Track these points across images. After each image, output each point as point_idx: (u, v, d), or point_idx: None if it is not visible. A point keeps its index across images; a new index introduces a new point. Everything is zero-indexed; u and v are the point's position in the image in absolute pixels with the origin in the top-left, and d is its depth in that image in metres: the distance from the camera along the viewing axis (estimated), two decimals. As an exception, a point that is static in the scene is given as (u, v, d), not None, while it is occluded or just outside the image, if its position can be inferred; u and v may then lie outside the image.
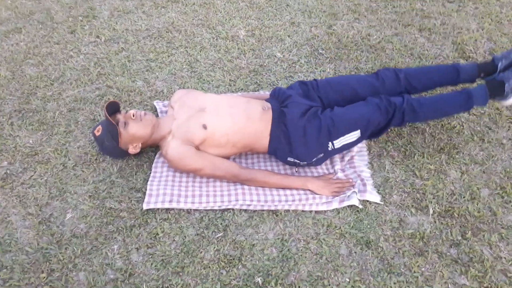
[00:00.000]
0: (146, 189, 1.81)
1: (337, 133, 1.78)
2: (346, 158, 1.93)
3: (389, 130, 1.87)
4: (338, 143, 1.80)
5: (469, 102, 1.84)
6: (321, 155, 1.81)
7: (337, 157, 1.95)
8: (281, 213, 1.73)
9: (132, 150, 1.85)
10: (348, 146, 1.84)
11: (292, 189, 1.80)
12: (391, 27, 2.69)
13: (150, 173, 1.88)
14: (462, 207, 1.73)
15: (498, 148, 1.96)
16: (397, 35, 2.64)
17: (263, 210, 1.74)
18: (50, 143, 2.04)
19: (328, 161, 1.94)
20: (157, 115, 2.17)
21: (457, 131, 2.04)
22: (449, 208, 1.73)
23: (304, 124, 1.77)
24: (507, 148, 1.96)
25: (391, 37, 2.62)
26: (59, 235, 1.68)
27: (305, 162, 1.81)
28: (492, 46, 2.51)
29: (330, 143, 1.78)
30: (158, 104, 2.21)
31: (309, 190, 1.80)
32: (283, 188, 1.82)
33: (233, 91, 2.31)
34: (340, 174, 1.87)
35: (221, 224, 1.70)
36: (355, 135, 1.80)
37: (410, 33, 2.65)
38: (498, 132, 2.03)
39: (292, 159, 1.80)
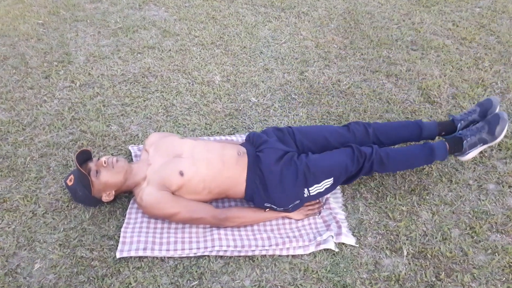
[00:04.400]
0: (119, 237, 1.77)
1: (313, 179, 1.80)
2: (322, 199, 1.96)
3: (358, 177, 1.92)
4: (313, 190, 1.82)
5: (431, 156, 1.94)
6: (298, 201, 1.82)
7: None
8: (257, 258, 1.71)
9: (106, 198, 1.82)
10: (321, 194, 1.86)
11: (268, 231, 1.80)
12: (360, 73, 2.83)
13: (124, 219, 1.84)
14: (434, 247, 1.77)
15: (465, 189, 2.04)
16: (365, 80, 2.77)
17: (239, 256, 1.72)
18: (20, 190, 1.98)
19: None
20: (131, 160, 2.16)
21: (426, 172, 2.11)
22: (422, 249, 1.76)
23: (280, 169, 1.79)
24: (473, 188, 2.04)
25: (360, 82, 2.74)
26: (26, 287, 1.60)
27: (282, 208, 1.82)
28: (454, 91, 2.66)
29: (306, 189, 1.80)
30: (133, 148, 2.21)
31: (287, 216, 1.88)
32: (263, 221, 1.85)
33: (209, 135, 2.33)
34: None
35: (196, 271, 1.66)
36: (328, 182, 1.83)
37: (378, 79, 2.78)
38: (465, 174, 2.11)
39: (269, 205, 1.81)
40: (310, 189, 1.81)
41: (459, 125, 2.05)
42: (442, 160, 1.97)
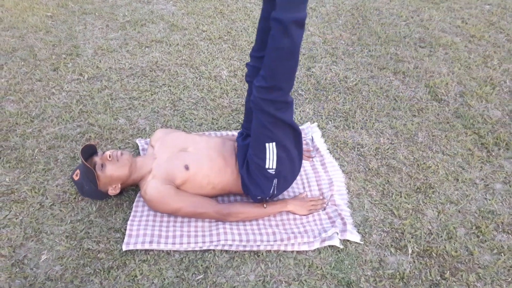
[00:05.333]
0: (125, 229, 1.78)
1: (259, 160, 1.73)
2: (327, 196, 1.96)
3: (285, 118, 1.66)
4: (270, 163, 1.73)
5: (285, 20, 1.47)
6: (275, 181, 1.78)
7: (316, 189, 2.02)
8: (262, 254, 1.72)
9: (112, 191, 1.83)
10: (282, 159, 1.74)
11: (273, 226, 1.81)
12: (367, 70, 2.81)
13: (130, 212, 1.86)
14: (440, 246, 1.77)
15: (471, 188, 2.03)
16: (373, 77, 2.75)
17: (244, 251, 1.73)
18: (28, 181, 2.00)
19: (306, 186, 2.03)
20: (139, 153, 2.17)
21: (432, 171, 2.10)
22: (428, 248, 1.76)
23: (246, 167, 1.80)
24: (480, 188, 2.03)
25: (367, 79, 2.73)
26: (32, 278, 1.62)
27: (268, 197, 1.83)
28: (462, 89, 2.64)
29: (267, 170, 1.74)
30: (141, 142, 2.22)
31: (290, 211, 1.89)
32: (266, 216, 1.86)
33: (215, 130, 2.34)
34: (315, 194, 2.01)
35: (201, 265, 1.68)
36: (271, 148, 1.70)
37: (385, 76, 2.76)
38: (471, 172, 2.10)
39: (260, 197, 1.83)
40: (267, 166, 1.73)
41: None
42: (302, 1, 1.50)
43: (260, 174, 1.76)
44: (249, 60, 1.88)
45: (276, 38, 1.52)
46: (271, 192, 1.80)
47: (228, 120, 2.40)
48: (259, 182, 1.77)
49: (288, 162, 1.77)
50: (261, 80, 1.59)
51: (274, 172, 1.75)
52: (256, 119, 1.68)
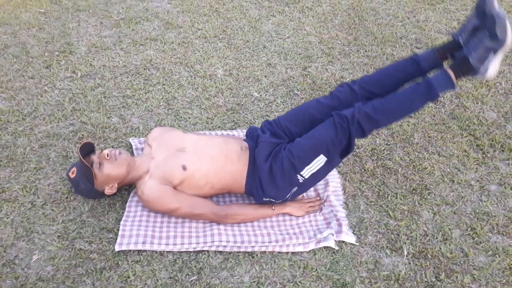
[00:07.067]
0: (118, 230, 1.76)
1: (300, 163, 1.73)
2: (323, 196, 1.95)
3: (355, 142, 1.75)
4: (306, 173, 1.75)
5: (431, 91, 1.71)
6: (295, 189, 1.79)
7: (311, 190, 2.01)
8: (257, 255, 1.71)
9: (108, 191, 1.81)
10: (320, 174, 1.78)
11: (268, 227, 1.79)
12: (363, 70, 2.80)
13: (123, 212, 1.83)
14: (435, 248, 1.76)
15: (467, 189, 2.03)
16: (369, 78, 2.74)
17: (239, 252, 1.71)
18: (19, 180, 1.97)
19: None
20: (132, 152, 2.14)
21: (428, 172, 2.10)
22: (423, 249, 1.75)
23: (269, 165, 1.77)
24: (475, 189, 2.03)
25: (363, 79, 2.72)
26: (23, 279, 1.59)
27: (280, 200, 1.82)
28: (458, 91, 2.64)
29: (298, 175, 1.75)
30: (134, 141, 2.19)
31: (287, 213, 1.87)
32: (263, 218, 1.84)
33: (210, 129, 2.32)
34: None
35: (195, 266, 1.66)
36: (320, 160, 1.73)
37: (382, 77, 2.75)
38: (467, 174, 2.10)
39: (267, 199, 1.80)
40: (301, 173, 1.74)
41: (460, 39, 1.76)
42: (450, 89, 1.72)
43: (287, 176, 1.74)
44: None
45: (418, 94, 1.71)
46: (287, 196, 1.80)
47: (223, 120, 2.38)
48: (279, 183, 1.75)
49: (317, 179, 1.82)
50: (371, 110, 1.70)
51: (302, 181, 1.76)
52: (330, 131, 1.71)
